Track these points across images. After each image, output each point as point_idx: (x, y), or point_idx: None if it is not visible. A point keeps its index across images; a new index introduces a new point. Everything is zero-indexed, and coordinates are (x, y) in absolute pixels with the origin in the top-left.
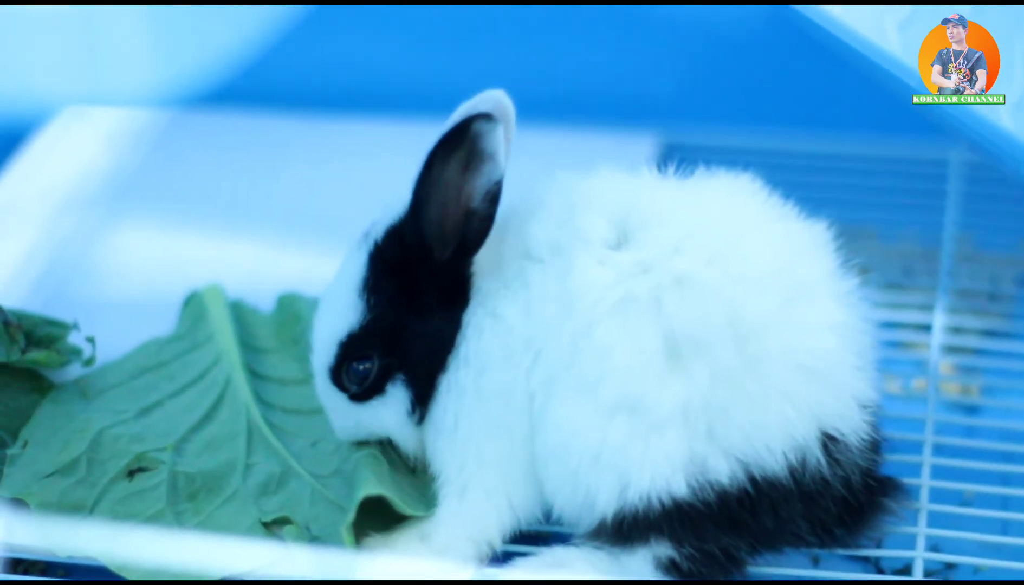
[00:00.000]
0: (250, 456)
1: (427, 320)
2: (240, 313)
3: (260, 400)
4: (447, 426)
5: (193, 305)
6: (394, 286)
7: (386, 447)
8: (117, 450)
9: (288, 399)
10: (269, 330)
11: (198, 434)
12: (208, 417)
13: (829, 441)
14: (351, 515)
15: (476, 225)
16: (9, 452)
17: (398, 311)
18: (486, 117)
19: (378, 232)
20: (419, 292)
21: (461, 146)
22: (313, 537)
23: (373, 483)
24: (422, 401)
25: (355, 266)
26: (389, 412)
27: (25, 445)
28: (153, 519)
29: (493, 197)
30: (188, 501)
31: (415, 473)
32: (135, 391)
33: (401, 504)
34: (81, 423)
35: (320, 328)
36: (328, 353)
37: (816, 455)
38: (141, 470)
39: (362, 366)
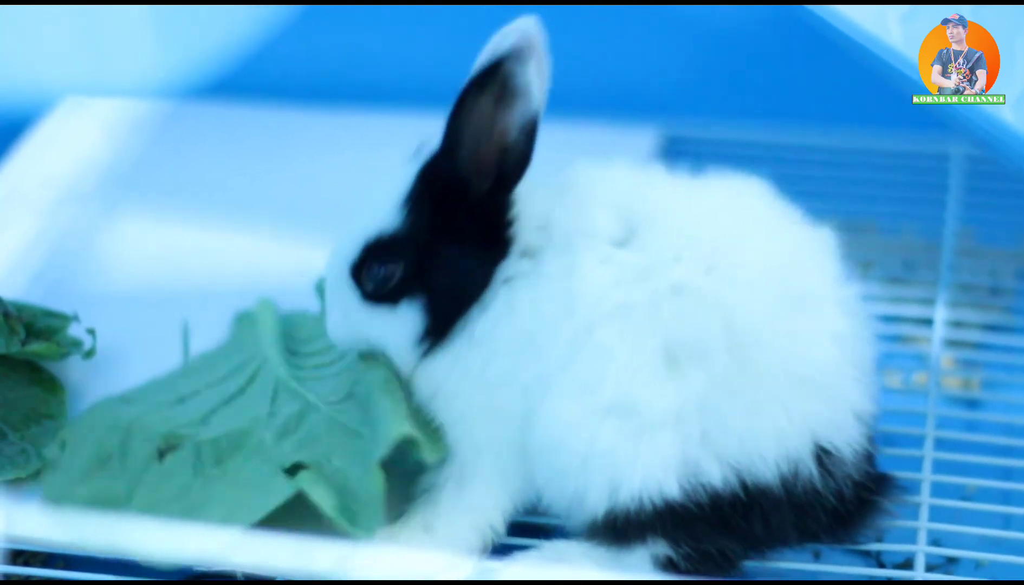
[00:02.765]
0: (273, 406)
1: (461, 253)
2: (291, 320)
3: (292, 364)
4: (445, 392)
5: (243, 321)
6: (435, 210)
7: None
8: (148, 435)
9: (320, 359)
10: (318, 325)
11: (227, 407)
12: (240, 392)
13: (823, 454)
14: (382, 451)
15: (513, 160)
16: (47, 454)
17: (434, 235)
18: (515, 56)
19: (430, 151)
20: (459, 224)
21: (493, 84)
22: (336, 470)
23: (403, 420)
24: (436, 334)
25: (403, 176)
26: (393, 328)
27: (63, 446)
28: (182, 494)
29: (529, 131)
30: (216, 466)
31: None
32: (173, 389)
33: (427, 446)
34: (115, 419)
35: (352, 225)
36: (353, 247)
37: (809, 467)
38: (171, 449)
39: (384, 269)
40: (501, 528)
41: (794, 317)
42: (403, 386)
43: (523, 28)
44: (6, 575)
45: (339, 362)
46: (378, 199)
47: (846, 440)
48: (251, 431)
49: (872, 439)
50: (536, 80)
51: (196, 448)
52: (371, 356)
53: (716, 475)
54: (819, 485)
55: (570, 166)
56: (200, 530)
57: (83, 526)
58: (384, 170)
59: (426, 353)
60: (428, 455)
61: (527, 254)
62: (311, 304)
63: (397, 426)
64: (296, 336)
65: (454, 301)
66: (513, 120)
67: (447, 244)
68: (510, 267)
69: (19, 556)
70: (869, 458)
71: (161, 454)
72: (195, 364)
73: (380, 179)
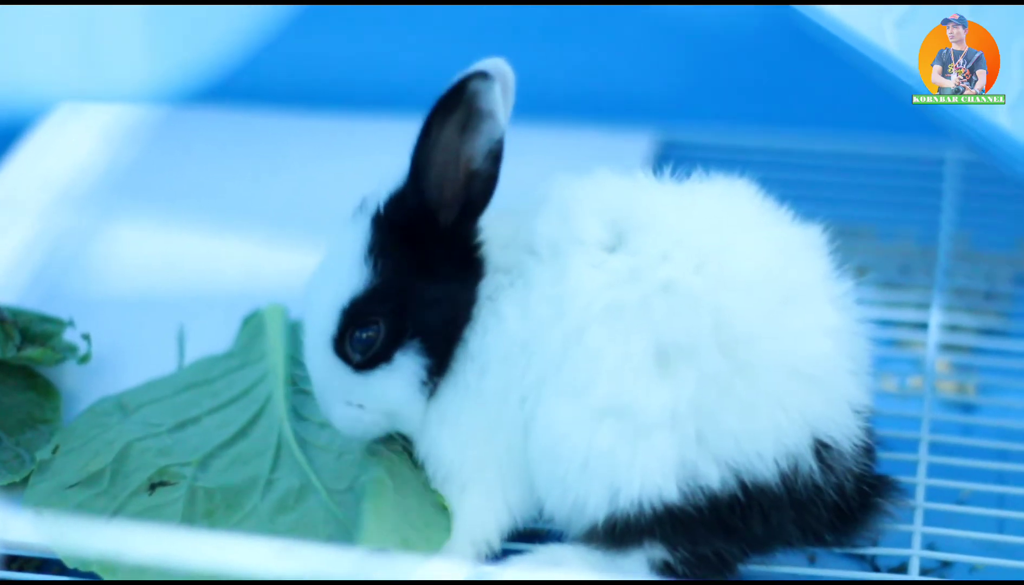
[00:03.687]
0: (274, 472)
1: (439, 285)
2: (301, 333)
3: (297, 414)
4: (450, 417)
5: (252, 324)
6: (401, 250)
7: (393, 463)
8: (143, 463)
9: None
10: None
11: (228, 450)
12: (242, 433)
13: (822, 448)
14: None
15: (479, 186)
16: (39, 456)
17: (407, 276)
18: (482, 75)
19: (379, 199)
20: (428, 257)
21: (458, 107)
22: None
23: (373, 531)
24: (440, 370)
25: (355, 234)
26: (396, 383)
27: (56, 450)
28: None
29: (495, 156)
30: (205, 518)
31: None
32: (175, 406)
33: (404, 545)
34: (113, 434)
35: (317, 298)
36: (329, 322)
37: (809, 462)
38: (163, 484)
39: (366, 334)
40: (497, 544)
41: (786, 313)
42: (399, 480)
43: (492, 61)
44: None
45: None
46: (335, 264)
47: (844, 433)
48: (248, 493)
49: (871, 432)
50: (501, 103)
51: (190, 492)
52: (375, 449)
53: (714, 476)
54: (819, 480)
55: (549, 179)
56: (188, 538)
57: (66, 535)
58: (358, 190)
59: (432, 392)
60: (411, 549)
61: (502, 271)
62: None
63: (365, 536)
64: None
65: (447, 332)
66: (479, 145)
67: (423, 281)
68: (489, 284)
69: (13, 561)
70: (868, 451)
71: (152, 486)
72: (198, 372)
73: (327, 246)
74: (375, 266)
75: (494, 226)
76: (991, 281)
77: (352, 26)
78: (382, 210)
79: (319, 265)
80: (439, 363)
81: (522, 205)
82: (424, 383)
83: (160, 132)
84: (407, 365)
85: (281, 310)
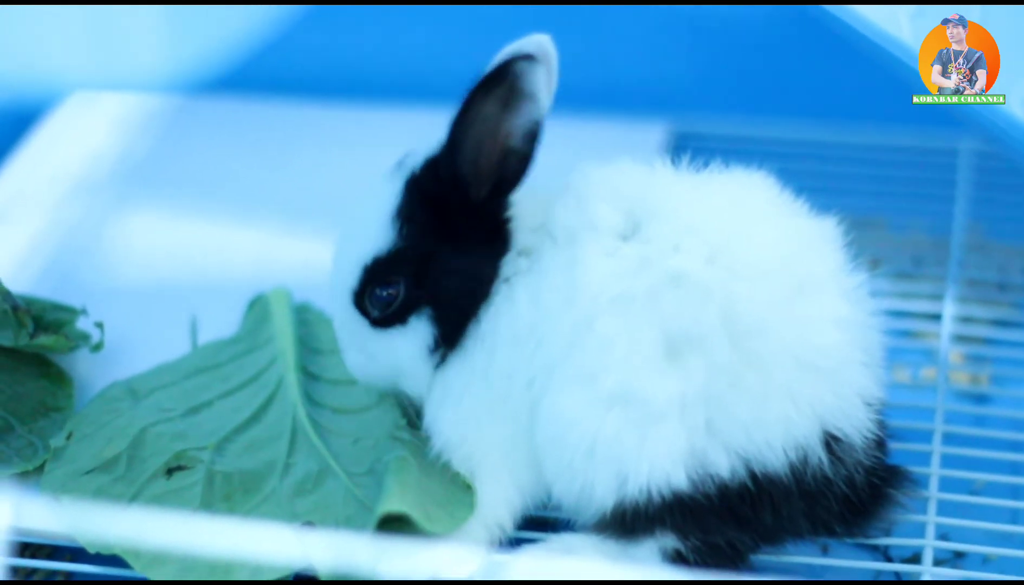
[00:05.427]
0: (291, 456)
1: (462, 256)
2: (305, 316)
3: (310, 399)
4: (454, 392)
5: (257, 308)
6: (430, 217)
7: (416, 447)
8: (159, 448)
9: (339, 399)
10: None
11: (242, 434)
12: (255, 418)
13: (832, 440)
14: (370, 528)
15: (514, 164)
16: (53, 443)
17: (431, 242)
18: (527, 57)
19: (415, 162)
20: (455, 228)
21: (501, 85)
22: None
23: (396, 498)
24: (448, 342)
25: (388, 192)
26: (407, 345)
27: (70, 437)
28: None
29: (533, 137)
30: (224, 501)
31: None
32: (186, 391)
33: (423, 521)
34: (127, 420)
35: (344, 250)
36: (351, 275)
37: (818, 454)
38: (180, 468)
39: (386, 292)
40: (509, 526)
41: (797, 304)
42: (422, 462)
43: (538, 39)
44: (13, 567)
45: (349, 387)
46: (365, 219)
47: (855, 426)
48: (266, 477)
49: (883, 424)
50: (544, 86)
51: (208, 476)
52: (398, 434)
53: (724, 465)
54: (829, 472)
55: (576, 167)
56: (200, 527)
57: (88, 521)
58: (371, 180)
59: (440, 363)
60: (429, 529)
61: (524, 253)
62: (318, 296)
63: (387, 502)
64: (311, 344)
65: (462, 305)
66: (518, 124)
67: (446, 249)
68: (509, 266)
69: (26, 549)
70: (880, 444)
71: (169, 471)
72: (207, 356)
73: (362, 198)
74: (401, 229)
75: (524, 205)
76: (1004, 272)
77: (367, 17)
78: (417, 173)
79: (352, 216)
80: (450, 334)
81: (549, 191)
82: (433, 350)
83: (173, 121)
84: (420, 329)
85: (286, 294)
